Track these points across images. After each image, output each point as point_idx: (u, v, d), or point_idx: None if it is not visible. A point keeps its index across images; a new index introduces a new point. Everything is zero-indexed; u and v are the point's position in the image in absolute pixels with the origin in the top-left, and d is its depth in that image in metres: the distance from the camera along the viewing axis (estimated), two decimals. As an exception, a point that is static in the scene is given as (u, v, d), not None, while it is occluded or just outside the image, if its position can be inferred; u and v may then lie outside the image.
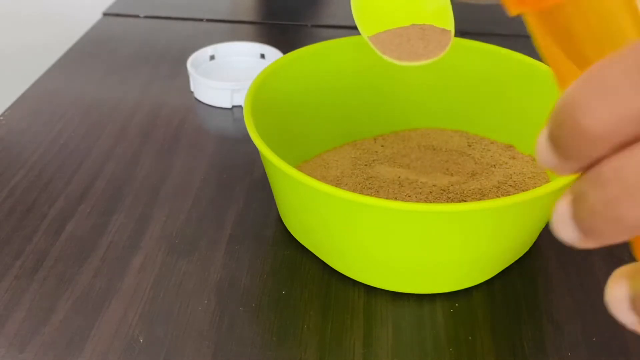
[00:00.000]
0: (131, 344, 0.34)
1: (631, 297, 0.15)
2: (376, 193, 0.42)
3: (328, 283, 0.38)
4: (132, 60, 0.63)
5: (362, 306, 0.37)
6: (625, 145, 0.14)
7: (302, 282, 0.38)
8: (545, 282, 0.39)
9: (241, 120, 0.54)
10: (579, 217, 0.15)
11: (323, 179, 0.44)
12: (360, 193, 0.40)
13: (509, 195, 0.42)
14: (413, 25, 0.37)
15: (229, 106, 0.56)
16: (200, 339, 0.35)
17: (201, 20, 0.72)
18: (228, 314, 0.36)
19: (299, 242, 0.41)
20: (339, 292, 0.38)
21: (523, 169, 0.44)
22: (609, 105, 0.14)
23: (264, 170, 0.47)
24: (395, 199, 0.42)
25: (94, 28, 0.70)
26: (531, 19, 0.19)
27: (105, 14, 0.73)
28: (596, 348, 0.35)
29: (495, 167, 0.45)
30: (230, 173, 0.47)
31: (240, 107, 0.56)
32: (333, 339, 0.35)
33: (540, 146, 0.16)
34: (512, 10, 0.19)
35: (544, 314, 0.37)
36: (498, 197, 0.42)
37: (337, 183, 0.44)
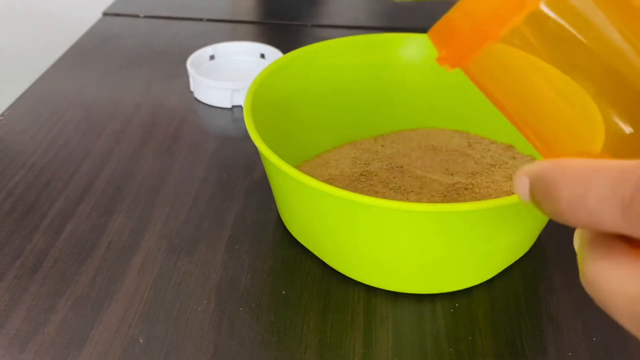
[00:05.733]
0: (131, 344, 0.34)
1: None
2: (375, 193, 0.42)
3: (328, 283, 0.38)
4: (132, 60, 0.63)
5: (362, 306, 0.37)
6: None
7: (302, 282, 0.38)
8: (545, 282, 0.39)
9: (241, 120, 0.54)
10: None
11: (323, 178, 0.44)
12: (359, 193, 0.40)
13: (509, 195, 0.42)
14: None
15: (229, 106, 0.56)
16: (200, 339, 0.35)
17: (201, 20, 0.72)
18: (228, 314, 0.36)
19: (299, 242, 0.41)
20: (339, 292, 0.38)
21: (523, 169, 0.44)
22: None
23: (264, 170, 0.47)
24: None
25: (94, 28, 0.70)
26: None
27: (105, 14, 0.73)
28: (596, 348, 0.35)
29: (495, 167, 0.45)
30: (230, 173, 0.47)
31: (240, 107, 0.56)
32: (333, 339, 0.35)
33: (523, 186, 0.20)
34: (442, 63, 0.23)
35: (544, 314, 0.37)
36: (498, 197, 0.42)
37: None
